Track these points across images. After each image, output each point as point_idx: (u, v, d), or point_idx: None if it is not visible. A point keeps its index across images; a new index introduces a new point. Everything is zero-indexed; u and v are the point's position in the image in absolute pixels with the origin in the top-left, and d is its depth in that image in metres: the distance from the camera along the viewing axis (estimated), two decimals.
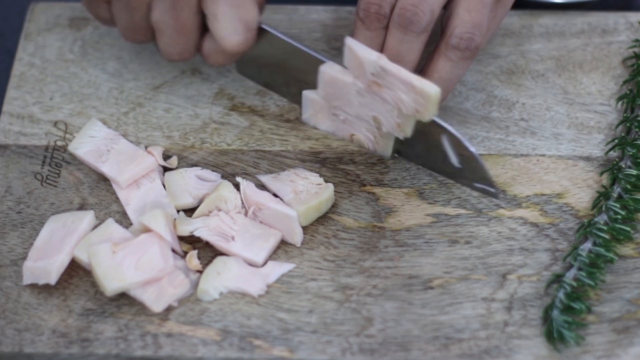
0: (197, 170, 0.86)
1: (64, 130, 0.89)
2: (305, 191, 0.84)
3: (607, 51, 0.94)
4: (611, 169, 0.86)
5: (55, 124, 0.90)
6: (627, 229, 0.83)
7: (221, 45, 0.81)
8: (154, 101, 0.91)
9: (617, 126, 0.89)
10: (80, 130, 0.88)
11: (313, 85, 0.84)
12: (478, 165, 0.82)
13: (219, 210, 0.83)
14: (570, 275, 0.80)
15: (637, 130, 0.87)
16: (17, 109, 0.91)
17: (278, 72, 0.87)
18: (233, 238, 0.82)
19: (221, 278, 0.80)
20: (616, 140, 0.87)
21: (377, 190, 0.86)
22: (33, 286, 0.81)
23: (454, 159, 0.82)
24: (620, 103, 0.90)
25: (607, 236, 0.82)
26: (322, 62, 0.83)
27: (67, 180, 0.86)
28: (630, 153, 0.86)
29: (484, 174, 0.82)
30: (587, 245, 0.82)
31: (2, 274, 0.82)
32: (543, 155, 0.88)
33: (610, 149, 0.87)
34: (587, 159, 0.87)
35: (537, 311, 0.80)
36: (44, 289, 0.81)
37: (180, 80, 0.92)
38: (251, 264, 0.82)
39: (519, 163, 0.87)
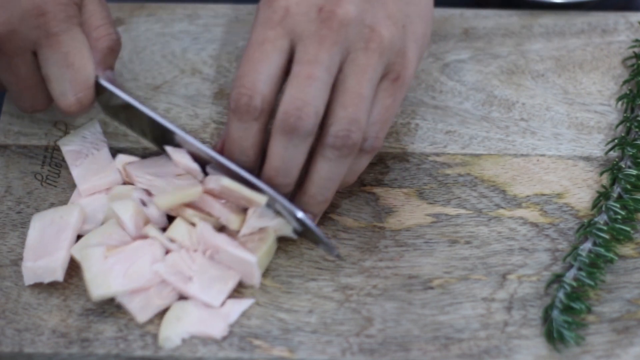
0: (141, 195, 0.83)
1: (64, 131, 0.89)
2: (248, 240, 0.81)
3: (607, 51, 0.94)
4: (611, 169, 0.86)
5: (55, 124, 0.90)
6: (627, 229, 0.83)
7: (57, 106, 0.82)
8: (154, 101, 0.91)
9: (617, 126, 0.89)
10: (77, 128, 0.88)
11: (158, 140, 0.83)
12: (310, 229, 0.80)
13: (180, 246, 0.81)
14: (570, 275, 0.80)
15: (637, 130, 0.87)
16: (17, 109, 0.91)
17: (131, 122, 0.85)
18: (191, 278, 0.79)
19: (182, 324, 0.78)
20: (616, 140, 0.87)
21: (377, 190, 0.86)
22: (33, 286, 0.81)
23: (293, 223, 0.81)
24: (620, 103, 0.90)
25: (607, 236, 0.82)
26: (157, 123, 0.82)
27: (67, 180, 0.86)
28: (630, 153, 0.86)
29: (318, 237, 0.80)
30: (587, 245, 0.82)
31: (2, 274, 0.82)
32: (543, 155, 0.88)
33: (610, 149, 0.87)
34: (587, 159, 0.87)
35: (537, 311, 0.80)
36: (44, 289, 0.81)
37: (180, 80, 0.92)
38: (208, 306, 0.80)
39: (519, 163, 0.87)
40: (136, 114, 0.82)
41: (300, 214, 0.79)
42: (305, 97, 0.75)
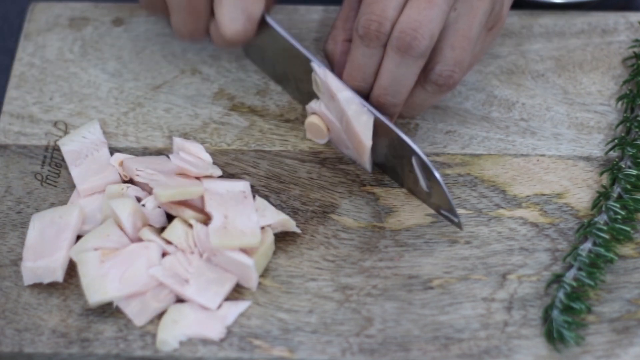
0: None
1: (64, 130, 0.89)
2: None
3: (607, 51, 0.94)
4: (611, 169, 0.86)
5: (55, 124, 0.90)
6: (627, 229, 0.83)
7: (220, 31, 0.82)
8: (154, 101, 0.91)
9: (617, 126, 0.89)
10: (77, 128, 0.88)
11: (307, 85, 0.84)
12: (442, 192, 0.80)
13: (176, 247, 0.81)
14: (570, 275, 0.80)
15: (637, 130, 0.87)
16: (17, 109, 0.91)
17: (278, 65, 0.88)
18: (187, 281, 0.79)
19: (179, 326, 0.78)
20: (616, 140, 0.87)
21: (377, 190, 0.86)
22: (33, 286, 0.81)
23: (422, 182, 0.82)
24: (620, 103, 0.90)
25: (607, 236, 0.82)
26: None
27: (67, 180, 0.86)
28: (630, 153, 0.86)
29: (447, 202, 0.81)
30: (587, 245, 0.82)
31: (2, 274, 0.82)
32: (543, 155, 0.88)
33: (610, 149, 0.87)
34: (587, 159, 0.87)
35: (537, 311, 0.80)
36: (44, 289, 0.81)
37: (180, 80, 0.92)
38: (205, 309, 0.80)
39: (519, 163, 0.87)
40: (295, 56, 0.83)
41: (437, 174, 0.80)
42: (422, 19, 0.78)
